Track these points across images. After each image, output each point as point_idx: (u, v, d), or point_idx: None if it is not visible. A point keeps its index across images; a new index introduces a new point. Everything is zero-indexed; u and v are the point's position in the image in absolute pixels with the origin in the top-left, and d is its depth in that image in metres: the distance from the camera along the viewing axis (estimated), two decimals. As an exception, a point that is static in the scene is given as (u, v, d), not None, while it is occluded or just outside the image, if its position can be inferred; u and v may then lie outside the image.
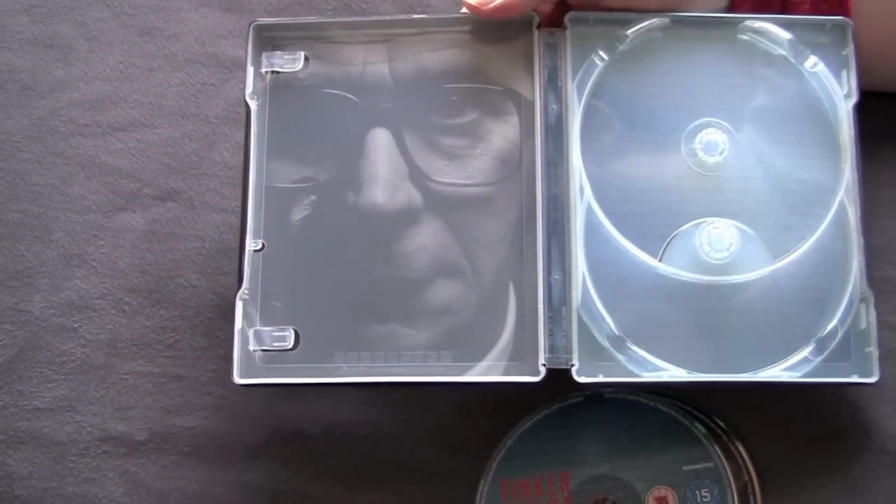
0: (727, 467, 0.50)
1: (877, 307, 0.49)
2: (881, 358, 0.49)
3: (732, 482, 0.50)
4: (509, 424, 0.52)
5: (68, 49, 0.60)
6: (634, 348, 0.48)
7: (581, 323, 0.48)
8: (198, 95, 0.59)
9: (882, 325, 0.51)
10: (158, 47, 0.60)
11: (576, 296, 0.49)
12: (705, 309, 0.49)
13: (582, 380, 0.48)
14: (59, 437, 0.54)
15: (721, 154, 0.50)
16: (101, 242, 0.57)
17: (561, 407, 0.52)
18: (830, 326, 0.49)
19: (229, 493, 0.53)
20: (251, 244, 0.50)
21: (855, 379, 0.48)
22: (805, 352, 0.48)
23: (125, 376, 0.55)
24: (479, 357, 0.49)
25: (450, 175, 0.51)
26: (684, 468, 0.50)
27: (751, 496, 0.50)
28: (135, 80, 0.59)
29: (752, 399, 0.52)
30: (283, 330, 0.49)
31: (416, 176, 0.51)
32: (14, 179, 0.58)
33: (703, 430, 0.51)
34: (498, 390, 0.52)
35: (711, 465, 0.50)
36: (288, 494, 0.53)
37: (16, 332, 0.56)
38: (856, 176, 0.49)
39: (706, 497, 0.50)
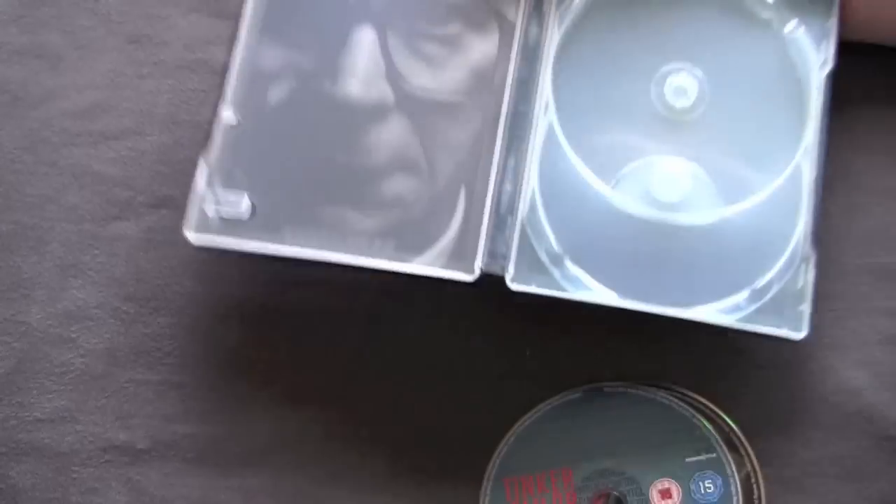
0: (730, 458, 0.50)
1: (873, 294, 0.49)
2: (881, 345, 0.49)
3: (735, 473, 0.50)
4: (510, 423, 0.52)
5: (58, 59, 0.60)
6: (571, 266, 0.49)
7: (524, 234, 0.50)
8: (189, 102, 0.59)
9: (879, 311, 0.51)
10: (148, 54, 0.60)
11: (523, 207, 0.50)
12: (648, 243, 0.50)
13: (515, 286, 0.49)
14: (61, 447, 0.54)
15: (689, 99, 0.51)
16: (97, 251, 0.57)
17: (561, 403, 0.52)
18: (767, 279, 0.49)
19: (232, 499, 0.53)
20: (226, 117, 0.52)
21: (784, 332, 0.49)
22: (739, 298, 0.49)
23: (125, 385, 0.55)
24: (420, 251, 0.50)
25: (424, 80, 0.53)
26: (687, 460, 0.51)
27: (754, 486, 0.51)
28: (125, 87, 0.59)
29: (753, 389, 0.52)
30: (240, 196, 0.51)
31: (393, 76, 0.53)
32: (7, 191, 0.58)
33: (704, 421, 0.51)
34: (493, 388, 0.52)
35: (714, 456, 0.50)
36: (291, 498, 0.53)
37: (14, 344, 0.56)
38: (818, 141, 0.50)
39: (710, 488, 0.50)
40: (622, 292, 0.49)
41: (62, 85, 0.60)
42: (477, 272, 0.49)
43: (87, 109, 0.59)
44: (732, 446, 0.51)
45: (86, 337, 0.56)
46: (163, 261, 0.56)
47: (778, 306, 0.49)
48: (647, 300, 0.49)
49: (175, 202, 0.57)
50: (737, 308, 0.49)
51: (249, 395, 0.54)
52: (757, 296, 0.49)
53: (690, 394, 0.52)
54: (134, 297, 0.56)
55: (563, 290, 0.49)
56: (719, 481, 0.50)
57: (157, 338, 0.55)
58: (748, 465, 0.51)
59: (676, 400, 0.51)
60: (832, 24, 0.51)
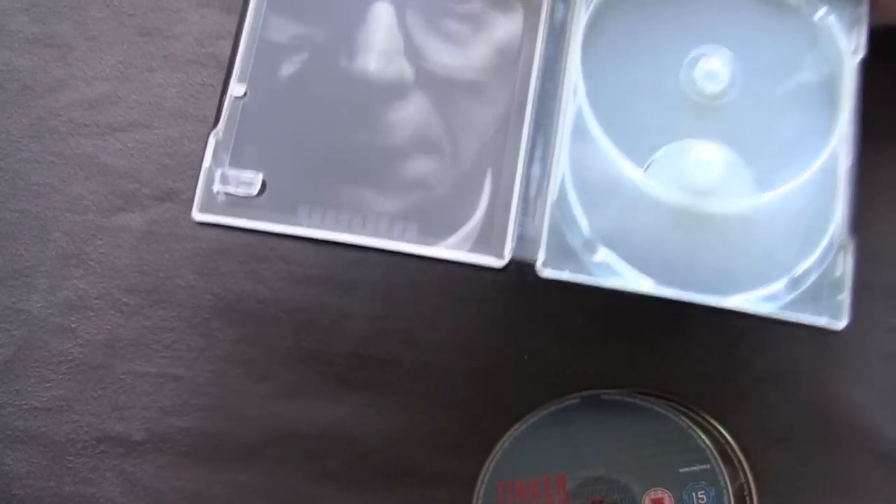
0: (724, 470, 0.50)
1: (874, 311, 0.49)
2: (881, 361, 0.48)
3: (729, 484, 0.50)
4: (506, 426, 0.52)
5: (68, 49, 0.60)
6: (604, 252, 0.47)
7: (553, 219, 0.48)
8: (197, 96, 0.59)
9: (880, 328, 0.51)
10: (158, 47, 0.60)
11: (552, 191, 0.48)
12: (682, 229, 0.48)
13: (546, 273, 0.47)
14: (57, 436, 0.55)
15: (720, 84, 0.49)
16: (100, 242, 0.57)
17: (557, 409, 0.52)
18: (805, 267, 0.48)
19: (226, 493, 0.53)
20: (235, 88, 0.50)
21: (823, 322, 0.47)
22: (777, 287, 0.48)
23: (123, 376, 0.55)
24: (444, 235, 0.48)
25: (446, 58, 0.50)
26: (681, 470, 0.50)
27: (747, 498, 0.50)
28: (134, 80, 0.59)
29: (750, 401, 0.52)
30: (250, 174, 0.49)
31: (412, 53, 0.51)
32: (13, 179, 0.58)
33: (699, 432, 0.51)
34: (490, 392, 0.52)
35: (708, 467, 0.50)
36: (284, 495, 0.53)
37: (14, 332, 0.56)
38: (852, 129, 0.49)
39: (702, 499, 0.50)
40: (656, 279, 0.47)
41: (71, 75, 0.60)
42: (507, 258, 0.47)
43: (96, 100, 0.59)
44: (727, 458, 0.51)
45: (85, 327, 0.56)
46: (165, 254, 0.57)
47: (816, 295, 0.47)
48: (681, 287, 0.47)
49: (180, 196, 0.57)
50: (774, 297, 0.47)
51: (246, 391, 0.54)
52: (795, 284, 0.47)
53: (686, 404, 0.52)
54: (135, 290, 0.56)
55: (596, 276, 0.47)
56: (712, 492, 0.50)
57: (156, 330, 0.56)
58: (742, 477, 0.51)
59: (672, 410, 0.51)
60: (863, 11, 0.50)
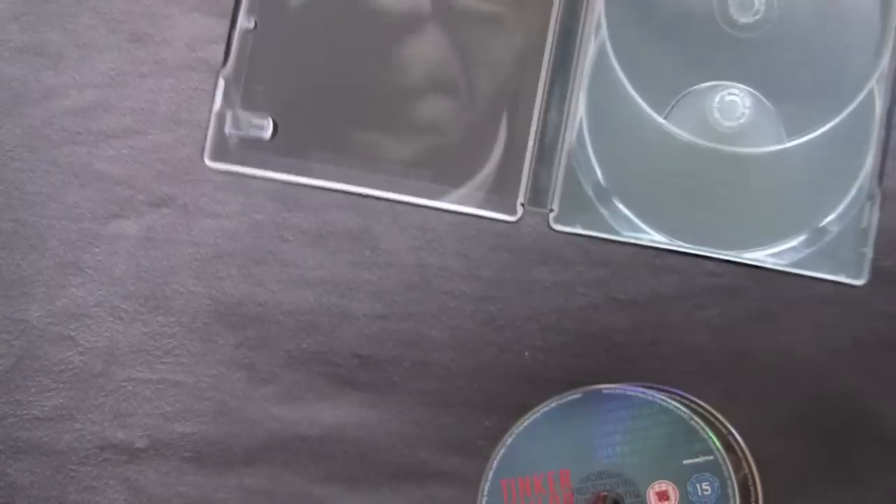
0: (727, 460, 0.50)
1: (872, 298, 0.49)
2: (881, 349, 0.49)
3: (733, 475, 0.50)
4: (508, 423, 0.52)
5: (59, 57, 0.60)
6: (619, 204, 0.46)
7: (569, 168, 0.47)
8: (189, 101, 0.59)
9: (877, 315, 0.51)
10: (149, 53, 0.60)
11: (569, 139, 0.47)
12: (702, 177, 0.47)
13: (559, 227, 0.46)
14: (59, 445, 0.54)
15: (755, 15, 0.47)
16: (97, 250, 0.57)
17: (559, 404, 0.52)
18: (829, 218, 0.46)
19: (230, 498, 0.53)
20: (244, 21, 0.48)
21: (842, 278, 0.46)
22: (797, 240, 0.46)
23: (123, 383, 0.55)
24: (457, 183, 0.47)
25: None
26: (684, 462, 0.50)
27: (751, 488, 0.51)
28: (126, 86, 0.59)
29: (752, 392, 0.52)
30: (262, 117, 0.48)
31: None
32: (7, 189, 0.58)
33: (702, 423, 0.51)
34: (491, 389, 0.52)
35: (711, 458, 0.50)
36: (289, 497, 0.53)
37: (13, 342, 0.56)
38: (894, 66, 0.47)
39: (707, 490, 0.50)
40: (671, 233, 0.46)
41: (63, 83, 0.60)
42: (519, 212, 0.46)
43: (88, 108, 0.59)
44: (730, 448, 0.51)
45: (84, 335, 0.56)
46: (163, 260, 0.56)
47: (837, 249, 0.46)
48: (698, 242, 0.46)
49: (176, 201, 0.57)
50: (794, 250, 0.46)
51: (248, 394, 0.54)
52: (816, 237, 0.46)
53: (689, 396, 0.52)
54: (133, 296, 0.56)
55: (611, 230, 0.46)
56: (716, 483, 0.50)
57: (156, 336, 0.55)
58: (745, 467, 0.51)
59: (674, 402, 0.51)
60: None
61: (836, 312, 0.53)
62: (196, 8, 0.60)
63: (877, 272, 0.53)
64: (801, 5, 0.47)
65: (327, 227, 0.54)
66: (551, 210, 0.46)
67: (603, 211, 0.46)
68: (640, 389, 0.52)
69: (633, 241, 0.46)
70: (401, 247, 0.54)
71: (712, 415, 0.51)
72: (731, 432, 0.51)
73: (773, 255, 0.46)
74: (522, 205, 0.47)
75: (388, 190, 0.47)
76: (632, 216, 0.46)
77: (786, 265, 0.46)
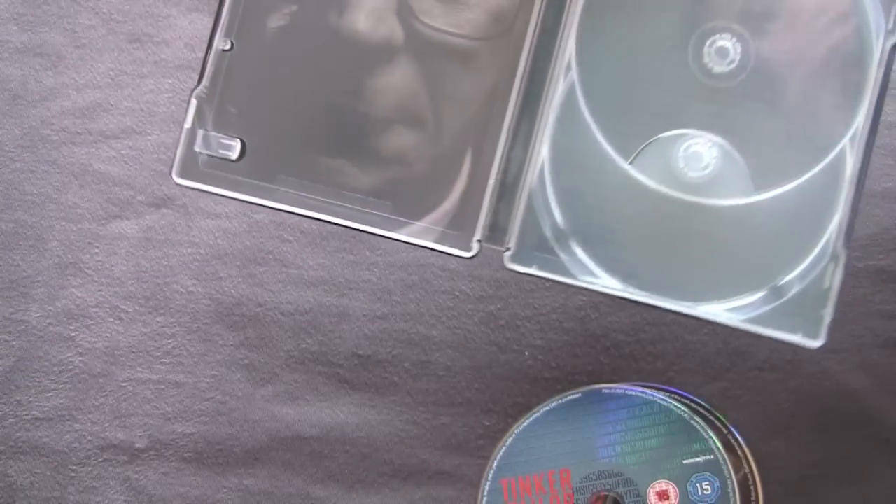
0: (727, 460, 0.50)
1: (871, 297, 0.49)
2: (880, 348, 0.49)
3: (733, 474, 0.50)
4: (508, 423, 0.52)
5: (58, 57, 0.60)
6: (576, 248, 0.46)
7: (529, 208, 0.46)
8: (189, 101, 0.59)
9: (877, 314, 0.51)
10: (148, 54, 0.60)
11: (531, 178, 0.46)
12: (663, 226, 0.46)
13: (513, 267, 0.46)
14: (59, 446, 0.54)
15: (730, 64, 0.46)
16: (96, 250, 0.57)
17: (559, 404, 0.52)
18: (790, 277, 0.45)
19: (230, 499, 0.53)
20: (220, 42, 0.48)
21: (798, 338, 0.45)
22: (755, 297, 0.45)
23: (123, 384, 0.55)
24: (417, 216, 0.47)
25: (438, 19, 0.48)
26: (685, 461, 0.50)
27: (751, 487, 0.51)
28: (125, 87, 0.59)
29: (751, 391, 0.52)
30: (231, 138, 0.48)
31: (404, 12, 0.49)
32: (7, 189, 0.58)
33: (702, 423, 0.51)
34: (491, 389, 0.52)
35: (712, 457, 0.50)
36: (289, 498, 0.53)
37: (13, 343, 0.56)
38: (868, 125, 0.45)
39: (707, 490, 0.50)
40: (627, 280, 0.45)
41: (62, 83, 0.60)
42: (475, 249, 0.46)
43: (88, 108, 0.59)
44: (730, 448, 0.51)
45: (84, 336, 0.56)
46: (162, 260, 0.56)
47: (796, 308, 0.45)
48: (655, 291, 0.45)
49: (175, 201, 0.57)
50: (752, 306, 0.45)
51: (247, 395, 0.54)
52: (775, 295, 0.45)
53: (689, 396, 0.52)
54: (133, 297, 0.56)
55: (566, 273, 0.45)
56: (717, 483, 0.50)
57: (156, 337, 0.56)
58: (745, 466, 0.51)
59: (674, 402, 0.51)
60: None
61: (836, 312, 0.53)
62: (196, 8, 0.60)
63: (877, 272, 0.53)
64: (778, 58, 0.46)
65: (327, 227, 0.54)
66: (508, 248, 0.46)
67: (559, 253, 0.46)
68: (640, 389, 0.52)
69: (587, 285, 0.45)
70: (400, 247, 0.54)
71: (713, 414, 0.51)
72: (731, 432, 0.51)
73: (729, 309, 0.45)
74: (479, 241, 0.46)
75: (348, 219, 0.47)
76: (587, 260, 0.46)
77: (741, 321, 0.45)
